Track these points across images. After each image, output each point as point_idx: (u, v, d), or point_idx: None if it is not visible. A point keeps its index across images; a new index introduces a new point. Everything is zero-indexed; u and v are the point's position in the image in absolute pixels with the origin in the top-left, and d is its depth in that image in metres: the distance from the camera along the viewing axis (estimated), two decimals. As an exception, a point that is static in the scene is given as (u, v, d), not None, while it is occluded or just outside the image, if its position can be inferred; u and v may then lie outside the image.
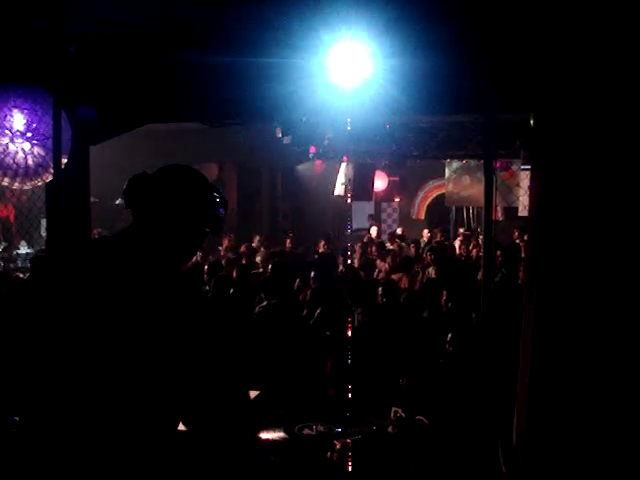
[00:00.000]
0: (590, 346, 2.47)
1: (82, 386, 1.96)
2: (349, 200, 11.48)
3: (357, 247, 11.46)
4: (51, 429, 1.96)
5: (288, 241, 11.96)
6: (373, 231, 14.05)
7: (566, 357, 2.51)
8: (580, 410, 2.50)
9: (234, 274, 7.15)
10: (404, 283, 8.47)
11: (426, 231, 13.46)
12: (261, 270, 8.82)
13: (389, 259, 9.95)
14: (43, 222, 7.53)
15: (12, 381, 2.04)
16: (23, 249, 9.13)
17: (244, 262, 9.29)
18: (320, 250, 10.65)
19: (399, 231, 13.70)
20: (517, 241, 10.92)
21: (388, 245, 11.98)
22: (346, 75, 5.11)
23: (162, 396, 2.02)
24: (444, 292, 5.84)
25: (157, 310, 2.01)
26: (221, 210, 2.29)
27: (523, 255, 7.94)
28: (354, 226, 15.35)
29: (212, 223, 2.26)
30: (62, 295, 2.00)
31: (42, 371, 1.98)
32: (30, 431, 1.99)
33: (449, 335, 4.53)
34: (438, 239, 12.57)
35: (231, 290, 5.96)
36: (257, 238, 12.09)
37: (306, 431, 3.10)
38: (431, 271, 8.57)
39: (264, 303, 5.38)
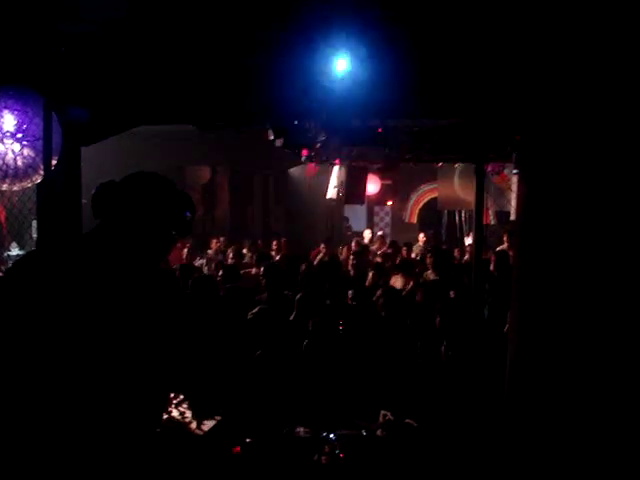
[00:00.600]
0: (573, 347, 2.48)
1: (56, 388, 1.95)
2: (339, 202, 11.51)
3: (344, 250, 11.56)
4: (30, 430, 1.96)
5: (275, 243, 11.97)
6: (367, 234, 14.07)
7: (548, 362, 2.52)
8: (565, 413, 2.51)
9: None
10: (399, 284, 8.45)
11: (422, 235, 13.48)
12: (253, 271, 8.81)
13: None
14: (34, 223, 7.50)
15: None
16: (14, 251, 9.08)
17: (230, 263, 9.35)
18: (321, 254, 10.64)
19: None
20: (505, 244, 10.97)
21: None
22: (337, 78, 5.13)
23: (133, 395, 2.02)
24: (451, 293, 5.88)
25: (128, 310, 2.02)
26: (188, 213, 2.29)
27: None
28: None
29: (179, 226, 2.26)
30: (32, 298, 2.00)
31: (15, 372, 1.97)
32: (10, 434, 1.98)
33: (444, 341, 4.54)
34: (431, 243, 12.63)
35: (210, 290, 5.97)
36: (247, 244, 12.12)
37: (294, 434, 3.09)
38: (429, 274, 8.57)
39: (255, 309, 5.37)
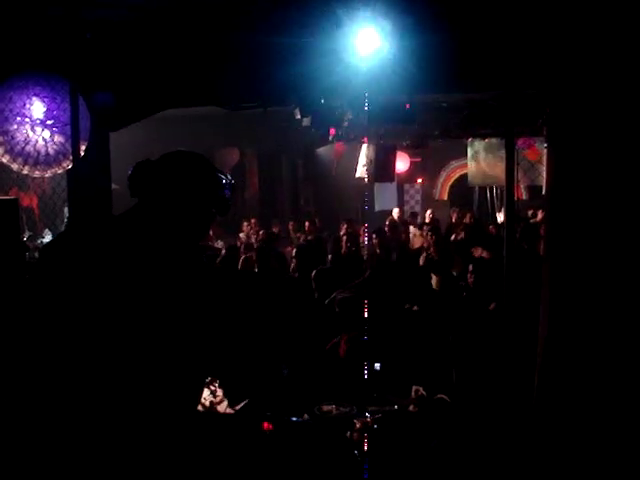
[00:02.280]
0: (604, 328, 2.44)
1: (96, 371, 1.97)
2: (368, 181, 11.42)
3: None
4: (63, 411, 1.98)
5: (307, 225, 11.95)
6: (395, 213, 13.97)
7: (579, 342, 2.48)
8: (593, 390, 2.47)
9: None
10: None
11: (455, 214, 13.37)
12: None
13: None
14: (65, 210, 7.59)
15: (25, 368, 2.05)
16: (47, 237, 9.21)
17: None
18: (342, 233, 10.59)
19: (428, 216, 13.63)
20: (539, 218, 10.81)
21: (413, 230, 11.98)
22: (364, 54, 5.08)
23: (171, 375, 2.03)
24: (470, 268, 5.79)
25: (169, 293, 2.01)
26: (227, 192, 2.28)
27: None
28: (377, 207, 15.28)
29: (219, 204, 2.25)
30: (71, 280, 2.00)
31: (55, 357, 1.98)
32: (42, 414, 2.00)
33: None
34: (467, 220, 12.51)
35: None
36: (277, 225, 12.16)
37: (326, 411, 3.10)
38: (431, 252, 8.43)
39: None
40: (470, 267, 5.60)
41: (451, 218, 13.33)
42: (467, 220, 12.31)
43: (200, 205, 2.18)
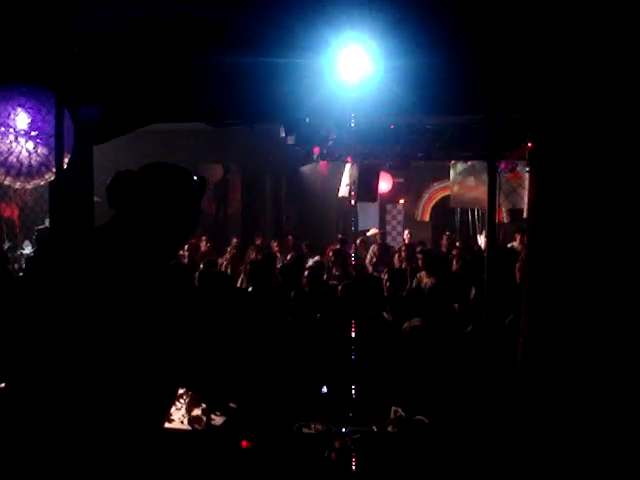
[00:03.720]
0: (585, 346, 2.45)
1: (70, 379, 1.96)
2: (353, 201, 11.45)
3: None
4: (37, 419, 1.96)
5: (275, 244, 11.97)
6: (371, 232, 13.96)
7: (559, 361, 2.50)
8: (574, 413, 2.49)
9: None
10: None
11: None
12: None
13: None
14: (47, 222, 7.54)
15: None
16: (27, 249, 9.13)
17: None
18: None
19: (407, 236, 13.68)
20: (517, 242, 10.91)
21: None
22: (350, 75, 5.12)
23: (148, 388, 2.02)
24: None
25: (145, 303, 2.01)
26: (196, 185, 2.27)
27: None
28: (359, 227, 15.33)
29: (197, 217, 2.24)
30: (52, 289, 2.00)
31: (29, 363, 1.97)
32: (16, 422, 1.98)
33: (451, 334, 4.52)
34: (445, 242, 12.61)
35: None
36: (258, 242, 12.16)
37: (305, 430, 3.09)
38: (423, 275, 8.49)
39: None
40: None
41: (440, 244, 13.32)
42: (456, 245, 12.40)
43: (180, 217, 2.17)
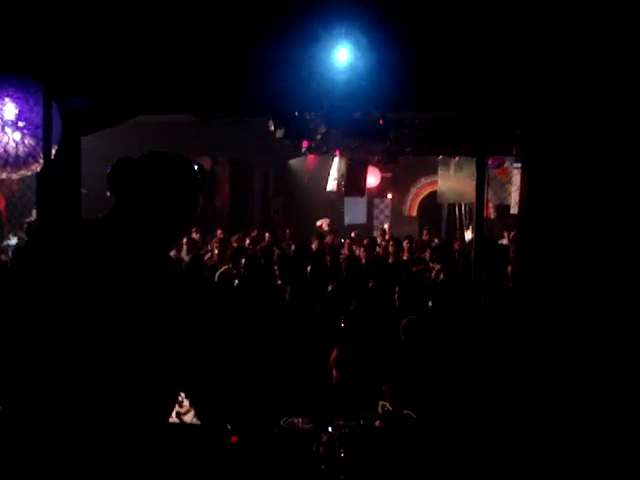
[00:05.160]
0: (578, 340, 2.47)
1: (69, 373, 1.94)
2: (339, 194, 11.47)
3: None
4: (37, 418, 1.95)
5: (268, 235, 11.95)
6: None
7: (553, 352, 2.51)
8: (567, 410, 2.51)
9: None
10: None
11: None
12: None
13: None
14: (34, 213, 7.49)
15: None
16: (13, 240, 9.06)
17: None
18: (314, 247, 10.59)
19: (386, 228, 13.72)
20: (504, 240, 10.98)
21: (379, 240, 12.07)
22: (339, 69, 5.11)
23: (150, 380, 2.01)
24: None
25: (144, 294, 1.99)
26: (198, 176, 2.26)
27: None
28: (347, 221, 15.35)
29: (195, 206, 2.23)
30: (45, 281, 1.98)
31: (27, 358, 1.95)
32: (14, 421, 1.97)
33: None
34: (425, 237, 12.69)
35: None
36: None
37: (292, 424, 3.10)
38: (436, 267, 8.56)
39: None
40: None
41: (421, 236, 13.39)
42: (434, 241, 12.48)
43: (181, 206, 2.16)
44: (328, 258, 8.64)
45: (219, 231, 12.07)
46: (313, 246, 10.24)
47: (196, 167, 2.24)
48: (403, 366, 4.26)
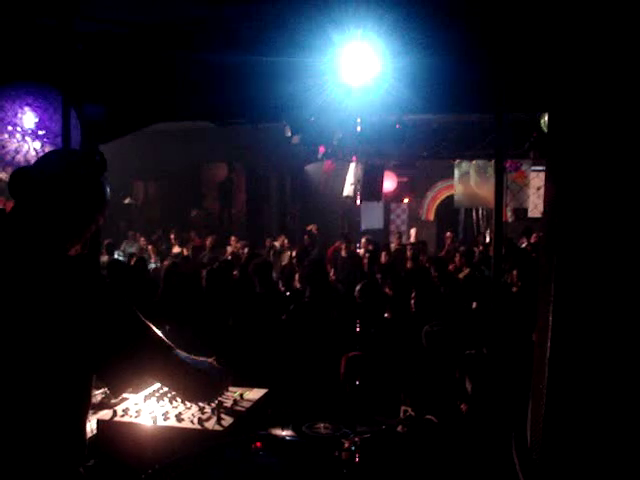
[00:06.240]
0: (611, 345, 2.43)
1: None
2: (358, 201, 11.44)
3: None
4: None
5: (280, 240, 11.98)
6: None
7: (586, 355, 2.47)
8: (600, 409, 2.46)
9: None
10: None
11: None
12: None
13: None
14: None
15: None
16: None
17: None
18: (342, 252, 10.56)
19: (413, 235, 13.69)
20: (524, 244, 10.92)
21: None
22: (355, 74, 5.11)
23: (53, 385, 1.98)
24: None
25: (39, 296, 1.96)
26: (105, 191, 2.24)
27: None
28: (363, 226, 15.35)
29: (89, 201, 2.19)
30: None
31: None
32: None
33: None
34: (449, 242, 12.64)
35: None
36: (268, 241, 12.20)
37: (314, 430, 3.08)
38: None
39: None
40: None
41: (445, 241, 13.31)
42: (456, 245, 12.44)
43: (61, 202, 2.12)
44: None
45: (233, 238, 12.12)
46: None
47: (85, 159, 2.22)
48: (425, 371, 4.24)
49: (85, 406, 2.13)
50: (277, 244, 12.07)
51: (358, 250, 11.63)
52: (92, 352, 2.02)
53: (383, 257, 10.14)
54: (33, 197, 2.11)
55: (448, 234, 13.17)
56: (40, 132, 4.54)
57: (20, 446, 1.96)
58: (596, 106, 2.50)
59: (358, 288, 5.69)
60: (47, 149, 4.58)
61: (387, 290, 6.40)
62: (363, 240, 12.16)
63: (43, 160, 2.24)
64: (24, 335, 1.94)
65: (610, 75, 2.49)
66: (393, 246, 12.05)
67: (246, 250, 10.58)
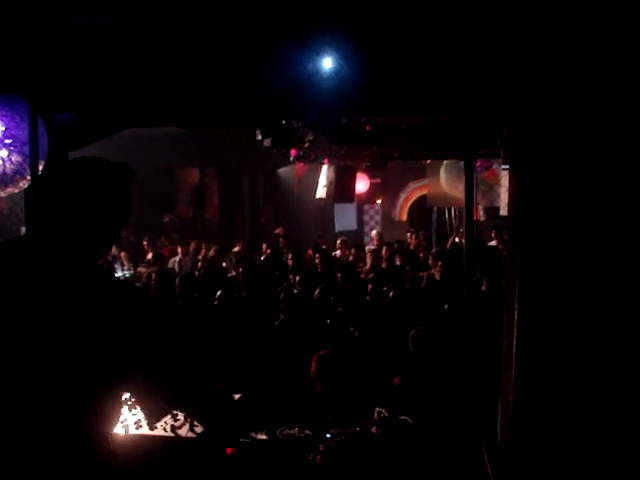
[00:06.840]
0: (576, 343, 2.46)
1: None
2: (328, 202, 11.47)
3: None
4: None
5: (265, 247, 12.00)
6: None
7: (552, 354, 2.50)
8: (568, 406, 2.49)
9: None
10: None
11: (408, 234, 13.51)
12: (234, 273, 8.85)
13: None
14: (23, 230, 7.45)
15: None
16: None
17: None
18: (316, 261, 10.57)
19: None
20: (495, 242, 11.02)
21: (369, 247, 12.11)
22: (324, 76, 5.12)
23: (86, 390, 1.98)
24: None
25: (72, 304, 1.96)
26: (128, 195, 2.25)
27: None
28: (337, 228, 15.37)
29: (121, 212, 2.20)
30: None
31: None
32: None
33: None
34: (420, 241, 12.71)
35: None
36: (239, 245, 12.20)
37: (289, 433, 3.09)
38: (435, 273, 8.61)
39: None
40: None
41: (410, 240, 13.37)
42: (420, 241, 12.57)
43: (86, 213, 2.11)
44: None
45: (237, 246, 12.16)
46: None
47: (106, 169, 2.21)
48: (409, 374, 4.26)
49: (113, 417, 2.11)
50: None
51: (334, 253, 11.67)
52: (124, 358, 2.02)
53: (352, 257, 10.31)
54: (65, 209, 2.08)
55: (410, 234, 13.27)
56: (7, 141, 4.50)
57: (41, 454, 1.95)
58: (554, 110, 2.54)
59: (317, 291, 5.83)
60: (14, 158, 4.54)
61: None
62: (339, 242, 12.19)
63: (73, 170, 2.19)
64: (71, 342, 1.94)
65: (566, 82, 2.53)
66: (369, 248, 12.07)
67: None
